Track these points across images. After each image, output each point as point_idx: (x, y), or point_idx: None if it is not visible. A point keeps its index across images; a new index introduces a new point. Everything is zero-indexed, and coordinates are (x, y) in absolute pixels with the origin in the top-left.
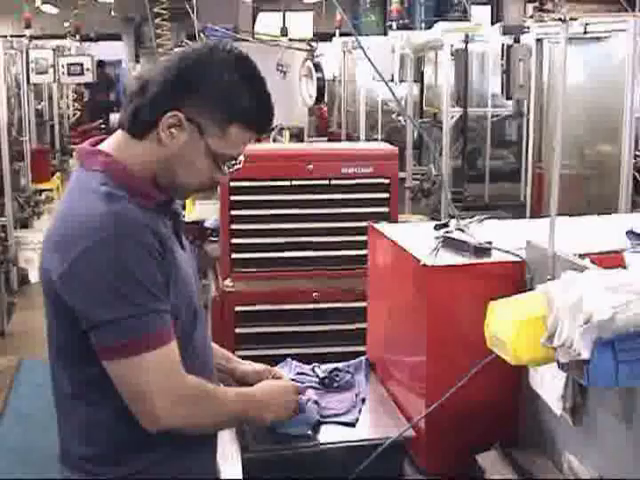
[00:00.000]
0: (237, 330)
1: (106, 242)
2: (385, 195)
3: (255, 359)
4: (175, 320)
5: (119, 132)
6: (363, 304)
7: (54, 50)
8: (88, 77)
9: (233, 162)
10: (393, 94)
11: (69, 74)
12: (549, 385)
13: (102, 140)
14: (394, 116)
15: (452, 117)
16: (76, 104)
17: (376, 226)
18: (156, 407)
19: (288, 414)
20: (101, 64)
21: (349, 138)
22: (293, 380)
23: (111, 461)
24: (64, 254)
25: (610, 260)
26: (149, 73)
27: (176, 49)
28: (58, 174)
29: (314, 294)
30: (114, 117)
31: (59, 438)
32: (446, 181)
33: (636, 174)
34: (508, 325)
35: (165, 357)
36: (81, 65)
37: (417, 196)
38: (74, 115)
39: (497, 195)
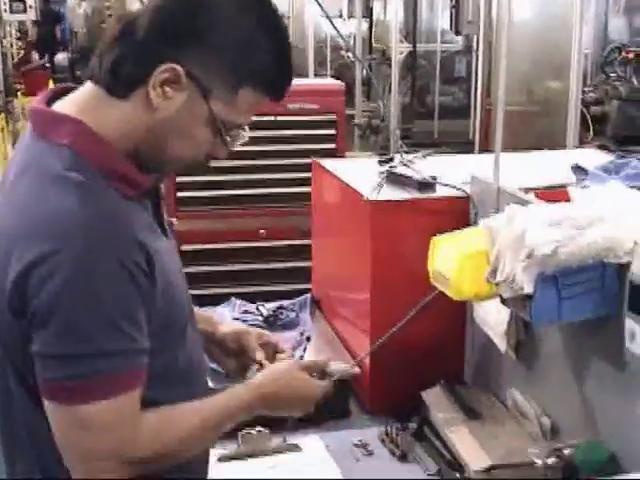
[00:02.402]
0: (183, 270)
1: (75, 254)
2: (332, 131)
3: (201, 298)
4: (163, 339)
5: (89, 87)
6: (310, 242)
7: None
8: (31, 14)
9: (237, 132)
10: (337, 31)
11: (11, 11)
12: (493, 321)
13: (61, 92)
14: (343, 52)
15: (401, 53)
16: (20, 43)
17: (320, 162)
18: (94, 470)
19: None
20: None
21: (298, 75)
22: (237, 319)
23: None
24: (20, 252)
25: (555, 195)
26: (135, 13)
27: None
28: (2, 115)
29: (260, 232)
30: (61, 56)
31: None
32: (394, 118)
33: (584, 110)
34: (451, 260)
35: (120, 409)
36: (24, 2)
37: (366, 133)
38: (18, 54)
39: (446, 132)
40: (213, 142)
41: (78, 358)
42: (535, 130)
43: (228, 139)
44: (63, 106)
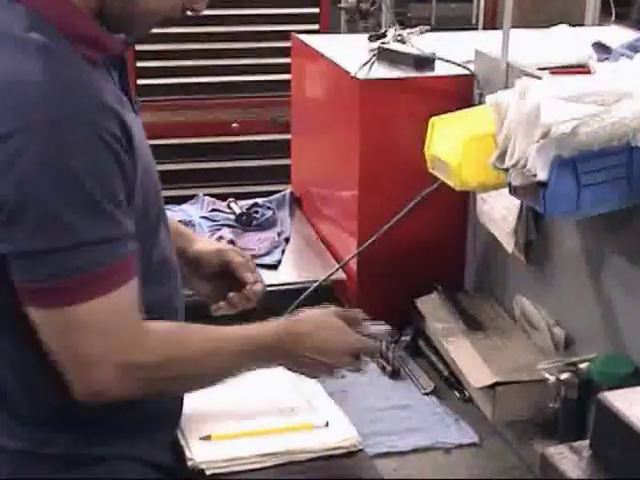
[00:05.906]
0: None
1: (41, 128)
2: (315, 10)
3: (166, 200)
4: (142, 226)
5: None
6: (289, 136)
7: None
8: None
9: None
10: None
11: None
12: (500, 218)
13: None
14: None
15: None
16: None
17: (300, 37)
18: (97, 377)
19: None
20: None
21: None
22: (204, 218)
23: None
24: None
25: (574, 73)
26: None
27: None
28: None
29: (233, 125)
30: None
31: None
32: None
33: None
34: (452, 144)
35: (116, 305)
36: None
37: (354, 18)
38: None
39: (445, 16)
40: None
41: (59, 251)
42: (549, 12)
43: None
44: None
